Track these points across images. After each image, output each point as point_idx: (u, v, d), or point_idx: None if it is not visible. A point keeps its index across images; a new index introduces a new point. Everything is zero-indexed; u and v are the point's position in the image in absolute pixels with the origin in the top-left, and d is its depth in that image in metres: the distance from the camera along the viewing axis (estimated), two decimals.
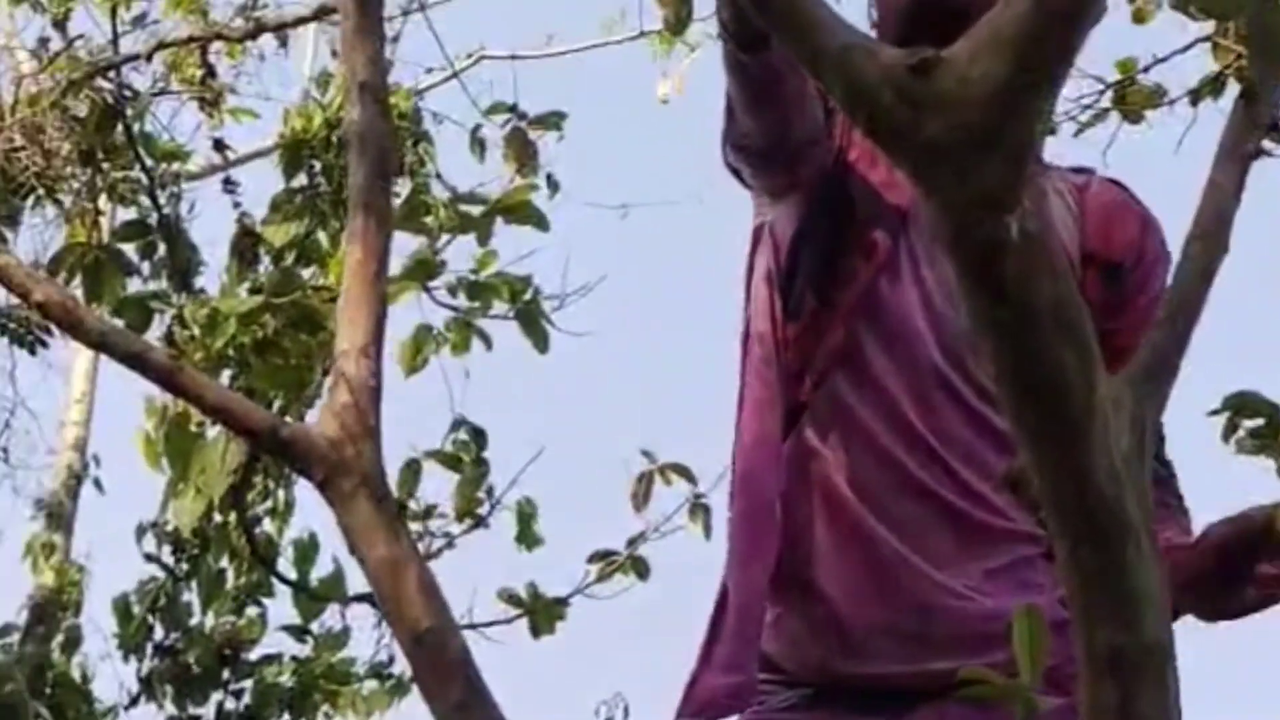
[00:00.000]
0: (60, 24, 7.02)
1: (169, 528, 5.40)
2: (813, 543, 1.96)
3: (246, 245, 5.57)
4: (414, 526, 5.63)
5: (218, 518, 5.21)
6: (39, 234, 7.67)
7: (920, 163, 1.25)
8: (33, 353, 6.81)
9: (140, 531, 5.61)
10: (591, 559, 5.78)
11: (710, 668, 1.94)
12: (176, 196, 6.94)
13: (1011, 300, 1.28)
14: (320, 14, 5.14)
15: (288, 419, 4.00)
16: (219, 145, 6.03)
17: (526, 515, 5.72)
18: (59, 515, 7.57)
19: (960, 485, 1.89)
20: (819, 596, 1.94)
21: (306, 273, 5.42)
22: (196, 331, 4.93)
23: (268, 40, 6.08)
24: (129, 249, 6.59)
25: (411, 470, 5.68)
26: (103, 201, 7.13)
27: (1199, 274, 1.39)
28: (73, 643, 6.40)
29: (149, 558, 5.56)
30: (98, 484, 7.55)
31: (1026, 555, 1.89)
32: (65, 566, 7.01)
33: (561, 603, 5.69)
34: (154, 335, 5.85)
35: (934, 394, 1.91)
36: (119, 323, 5.00)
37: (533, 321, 6.08)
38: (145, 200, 6.74)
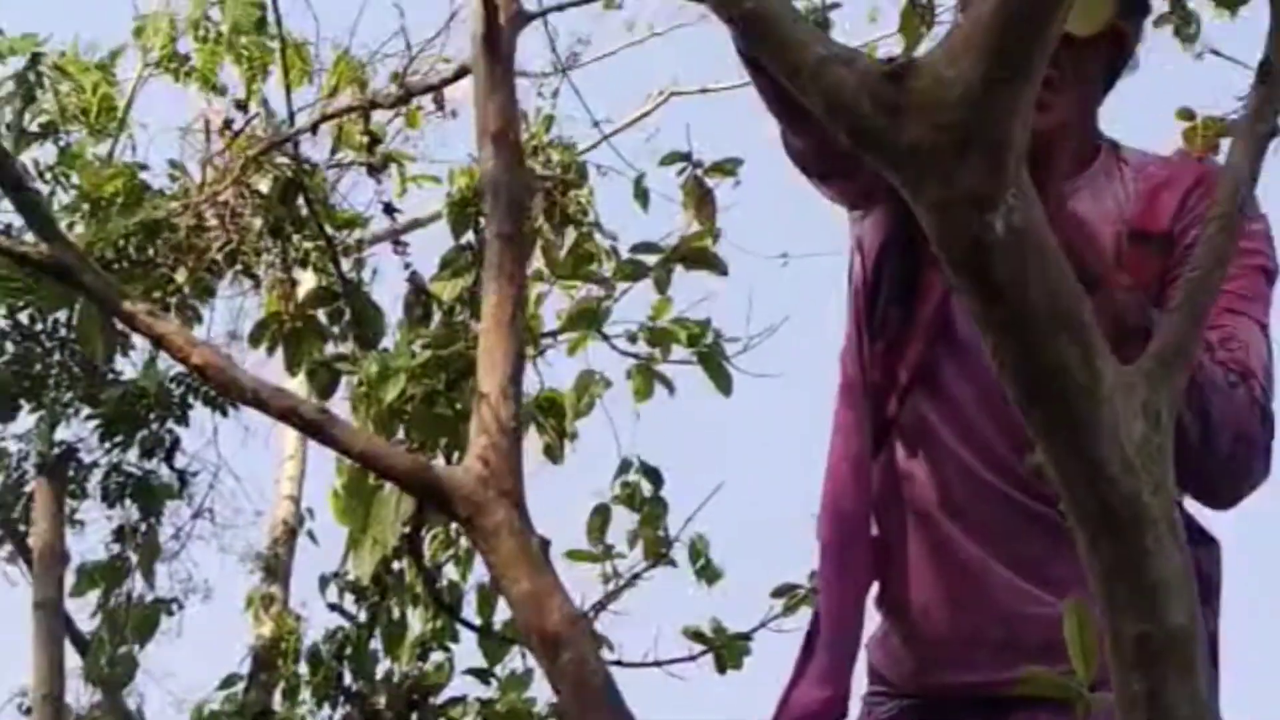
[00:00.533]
0: (243, 105, 7.30)
1: (350, 577, 5.56)
2: (905, 557, 1.98)
3: (417, 302, 5.72)
4: (596, 566, 5.72)
5: (397, 566, 5.36)
6: (233, 304, 7.97)
7: (902, 167, 1.28)
8: (224, 414, 7.06)
9: (324, 582, 5.78)
10: (775, 593, 5.78)
11: (803, 682, 1.97)
12: (360, 261, 7.18)
13: (1004, 297, 1.29)
14: (460, 74, 5.27)
15: (434, 463, 4.12)
16: (388, 209, 6.20)
17: (701, 550, 5.76)
18: (275, 568, 7.83)
19: (1037, 493, 1.88)
20: (912, 609, 1.96)
21: (476, 324, 5.55)
22: (370, 387, 5.07)
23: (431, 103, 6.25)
24: (320, 314, 6.82)
25: (601, 516, 5.77)
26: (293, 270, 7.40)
27: (1215, 258, 1.38)
28: (293, 690, 6.58)
29: (332, 607, 5.73)
30: (311, 536, 7.80)
31: None
32: (284, 617, 7.24)
33: (746, 638, 5.71)
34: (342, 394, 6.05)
35: (1005, 405, 1.91)
36: (289, 383, 5.16)
37: (715, 365, 6.12)
38: (330, 267, 6.97)
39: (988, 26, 1.24)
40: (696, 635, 5.72)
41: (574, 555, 5.58)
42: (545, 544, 3.09)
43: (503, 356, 3.27)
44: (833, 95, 1.29)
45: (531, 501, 3.12)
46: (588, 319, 5.65)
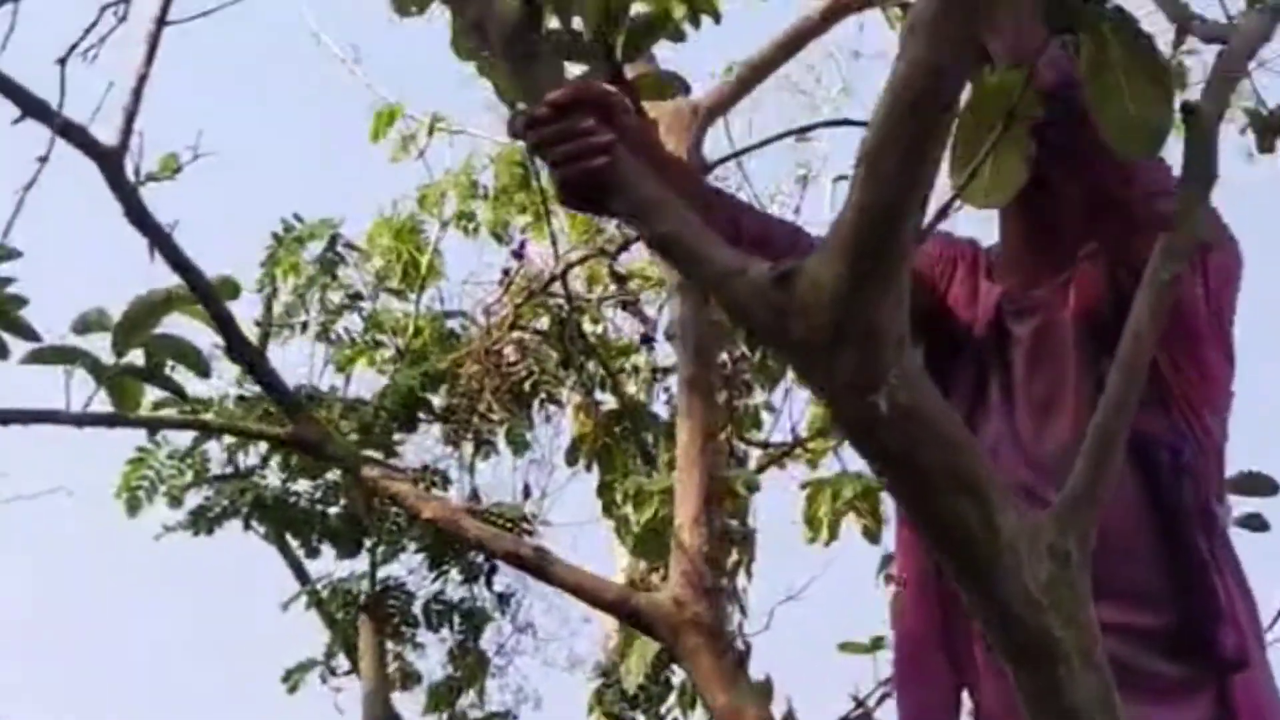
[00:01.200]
0: (518, 254, 7.77)
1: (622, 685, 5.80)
2: (971, 658, 2.08)
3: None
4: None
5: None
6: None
7: (792, 360, 1.46)
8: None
9: (599, 694, 6.04)
10: None
11: None
12: (652, 380, 7.55)
13: (899, 466, 1.45)
14: None
15: (636, 589, 4.34)
16: (645, 340, 6.50)
17: None
18: (611, 673, 8.26)
19: None
20: (975, 706, 2.07)
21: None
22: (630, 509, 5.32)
23: None
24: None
25: None
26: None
27: (1116, 407, 1.51)
28: None
29: (608, 715, 5.99)
30: None
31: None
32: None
33: None
34: None
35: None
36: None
37: None
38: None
39: (848, 231, 1.41)
40: None
41: (846, 647, 5.68)
42: (742, 658, 3.28)
43: (694, 489, 3.49)
44: (733, 302, 1.48)
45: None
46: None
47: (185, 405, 4.39)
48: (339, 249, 7.60)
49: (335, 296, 7.79)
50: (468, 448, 8.09)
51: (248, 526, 8.17)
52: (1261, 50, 1.68)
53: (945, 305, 2.13)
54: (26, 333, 3.54)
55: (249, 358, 3.96)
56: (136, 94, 3.81)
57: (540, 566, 3.51)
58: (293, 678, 8.36)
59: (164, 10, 3.83)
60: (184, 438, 7.74)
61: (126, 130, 3.84)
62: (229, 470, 7.91)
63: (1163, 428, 1.92)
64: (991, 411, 2.05)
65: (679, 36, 2.38)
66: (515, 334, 7.68)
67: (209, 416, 5.17)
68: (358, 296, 7.75)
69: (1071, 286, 1.97)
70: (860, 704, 5.29)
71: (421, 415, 7.26)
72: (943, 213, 1.53)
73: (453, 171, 7.90)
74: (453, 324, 8.08)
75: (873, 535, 5.77)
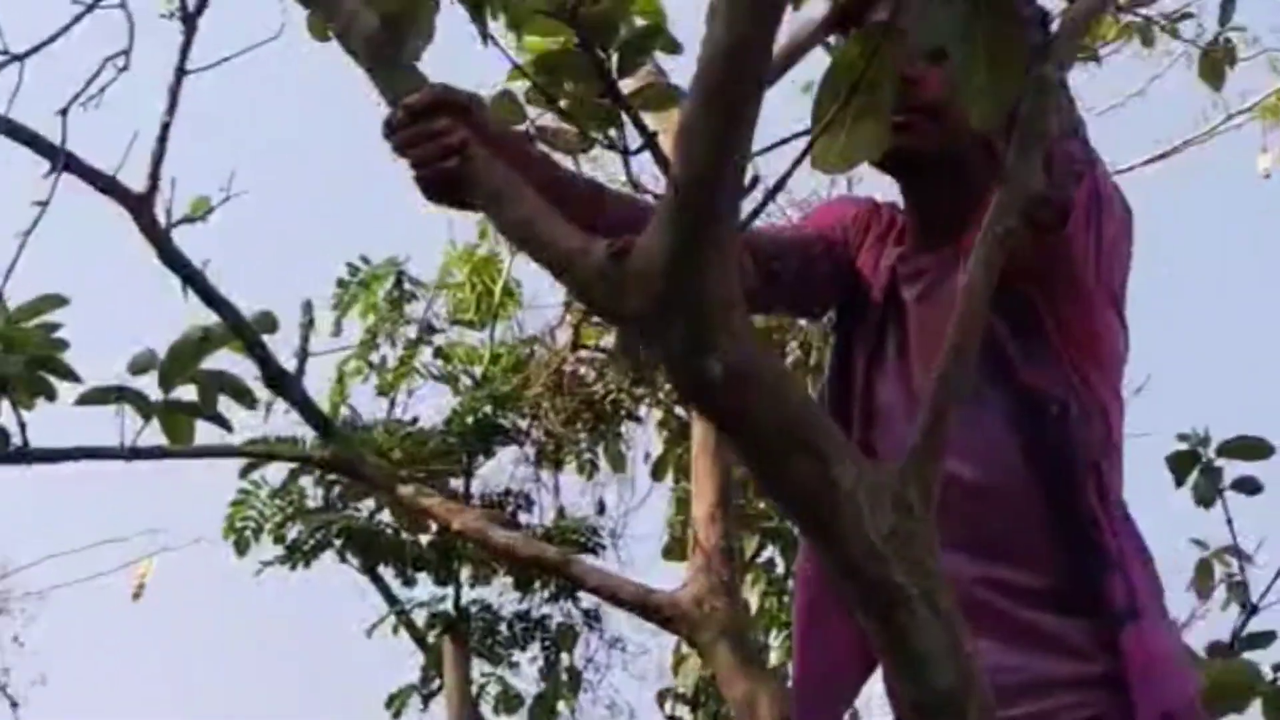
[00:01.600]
0: None
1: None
2: None
3: None
4: None
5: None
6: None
7: (630, 331, 1.53)
8: (594, 554, 7.56)
9: (660, 697, 6.14)
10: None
11: None
12: None
13: (736, 427, 1.51)
14: None
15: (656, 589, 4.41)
16: None
17: None
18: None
19: None
20: None
21: None
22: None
23: None
24: None
25: None
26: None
27: (955, 358, 1.56)
28: None
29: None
30: None
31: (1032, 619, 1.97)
32: None
33: None
34: None
35: None
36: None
37: None
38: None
39: (667, 207, 1.48)
40: None
41: None
42: (760, 650, 3.34)
43: (710, 484, 3.55)
44: (576, 281, 1.56)
45: None
46: None
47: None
48: (406, 286, 7.79)
49: (409, 331, 7.96)
50: (547, 469, 8.20)
51: (342, 559, 8.34)
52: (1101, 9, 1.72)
53: (855, 268, 2.18)
54: (69, 375, 3.68)
55: (285, 386, 4.09)
56: (161, 140, 3.96)
57: (561, 569, 3.60)
58: (395, 702, 8.52)
59: (183, 59, 3.99)
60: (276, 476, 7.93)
61: (154, 175, 3.99)
62: (322, 505, 8.10)
63: (1050, 383, 1.96)
64: (888, 373, 2.10)
65: (674, 49, 2.45)
66: (581, 353, 7.78)
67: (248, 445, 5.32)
68: (430, 329, 7.92)
69: (961, 251, 2.02)
70: None
71: (498, 438, 7.40)
72: (782, 182, 1.58)
73: None
74: (529, 349, 8.24)
75: None
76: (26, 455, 3.90)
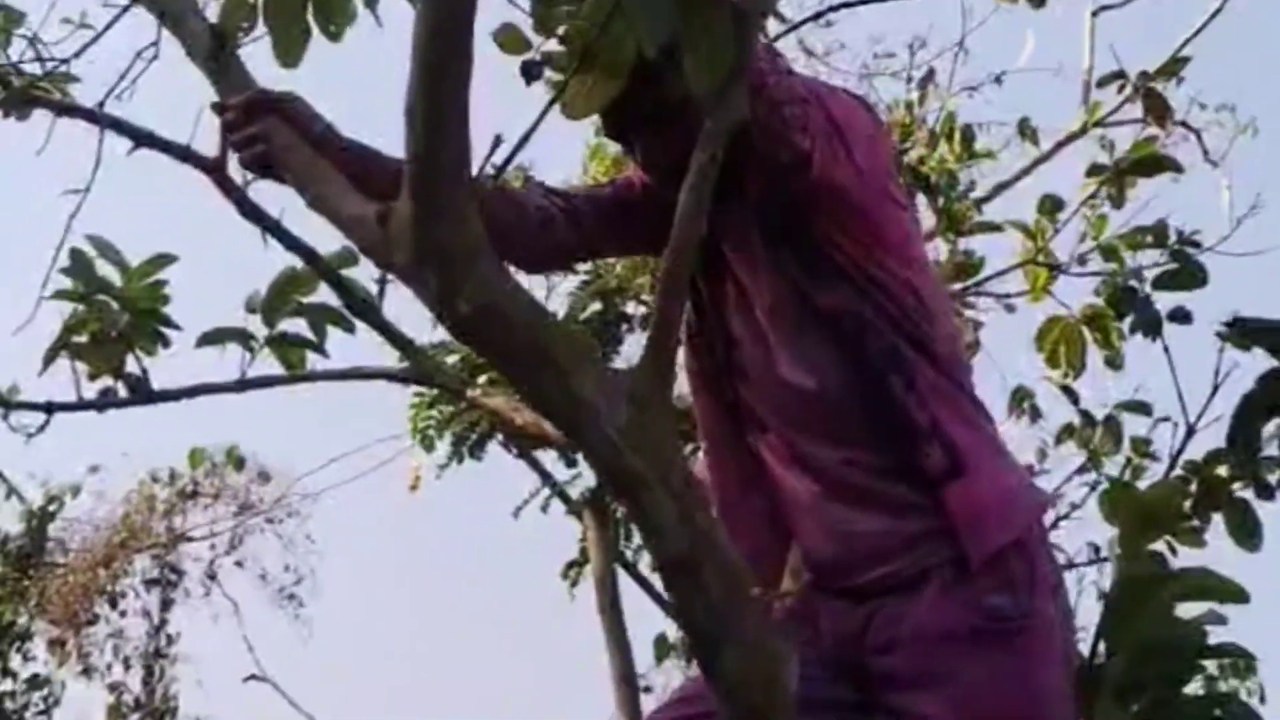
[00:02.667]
0: None
1: None
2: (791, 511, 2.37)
3: None
4: None
5: None
6: None
7: (401, 279, 1.84)
8: None
9: None
10: None
11: None
12: None
13: (491, 353, 1.83)
14: None
15: None
16: None
17: None
18: None
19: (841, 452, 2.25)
20: (799, 539, 2.36)
21: None
22: None
23: None
24: None
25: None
26: None
27: (668, 282, 1.83)
28: None
29: None
30: None
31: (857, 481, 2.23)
32: None
33: None
34: None
35: (778, 388, 2.29)
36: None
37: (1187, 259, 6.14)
38: None
39: (407, 176, 1.78)
40: None
41: None
42: None
43: None
44: (360, 242, 1.88)
45: None
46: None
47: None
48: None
49: None
50: None
51: (505, 446, 8.80)
52: None
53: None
54: (169, 324, 4.11)
55: (367, 313, 4.47)
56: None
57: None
58: (570, 571, 8.99)
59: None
60: None
61: (224, 143, 4.37)
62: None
63: (843, 300, 2.20)
64: (732, 304, 2.32)
65: None
66: None
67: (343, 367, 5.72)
68: None
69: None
70: None
71: (623, 327, 7.70)
72: (524, 140, 1.86)
73: None
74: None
75: None
76: (153, 396, 4.31)
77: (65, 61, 4.01)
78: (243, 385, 4.43)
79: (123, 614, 10.26)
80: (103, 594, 10.11)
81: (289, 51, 2.21)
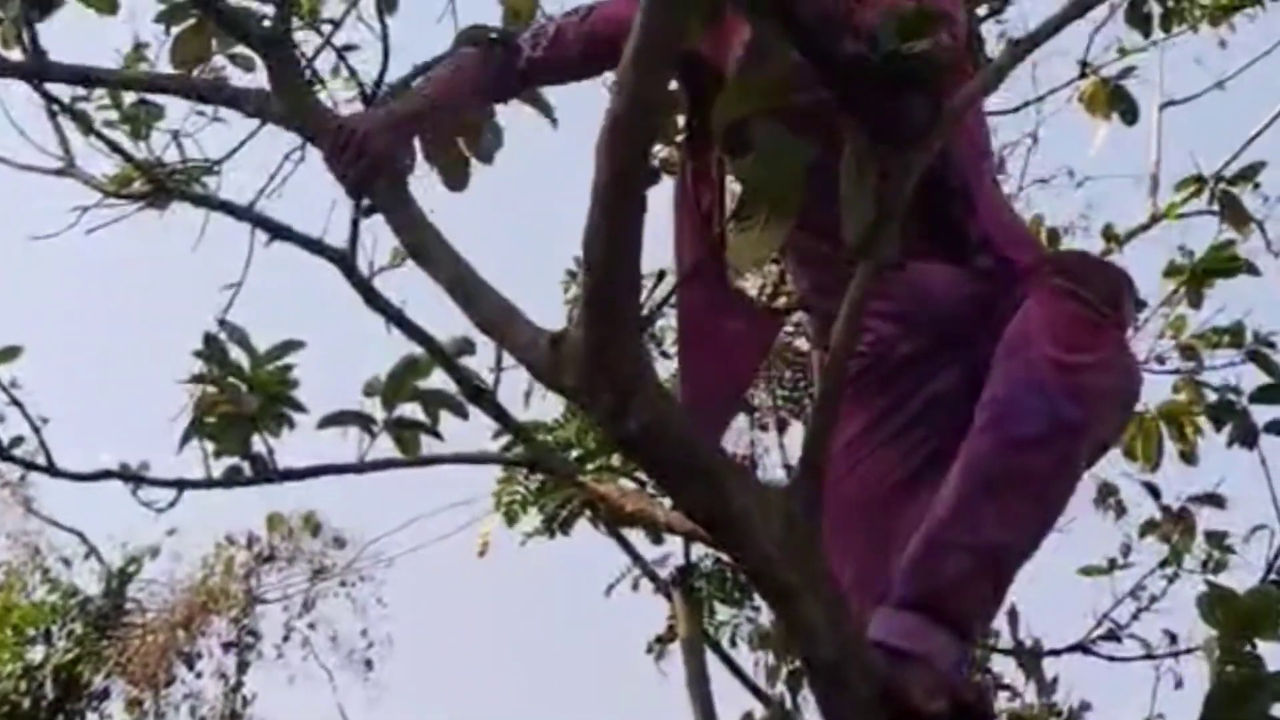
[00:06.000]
0: None
1: None
2: None
3: None
4: None
5: None
6: None
7: (572, 401, 2.00)
8: None
9: None
10: None
11: None
12: None
13: (651, 466, 1.98)
14: None
15: None
16: None
17: None
18: None
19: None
20: None
21: None
22: None
23: None
24: None
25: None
26: None
27: (824, 403, 1.99)
28: None
29: None
30: None
31: None
32: None
33: None
34: None
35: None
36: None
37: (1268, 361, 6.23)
38: None
39: (584, 311, 1.94)
40: None
41: (1087, 571, 5.91)
42: None
43: None
44: (530, 366, 2.05)
45: None
46: None
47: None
48: None
49: None
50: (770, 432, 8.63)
51: (593, 524, 8.95)
52: None
53: None
54: (298, 408, 4.27)
55: (482, 400, 4.64)
56: (357, 205, 4.52)
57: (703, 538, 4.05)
58: (657, 645, 9.16)
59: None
60: None
61: (353, 234, 4.52)
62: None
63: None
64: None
65: None
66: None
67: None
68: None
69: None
70: (1104, 619, 5.59)
71: None
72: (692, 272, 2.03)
73: None
74: None
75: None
76: (279, 475, 4.43)
77: (218, 162, 4.22)
78: (363, 467, 4.57)
79: (199, 675, 10.45)
80: (180, 655, 10.29)
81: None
